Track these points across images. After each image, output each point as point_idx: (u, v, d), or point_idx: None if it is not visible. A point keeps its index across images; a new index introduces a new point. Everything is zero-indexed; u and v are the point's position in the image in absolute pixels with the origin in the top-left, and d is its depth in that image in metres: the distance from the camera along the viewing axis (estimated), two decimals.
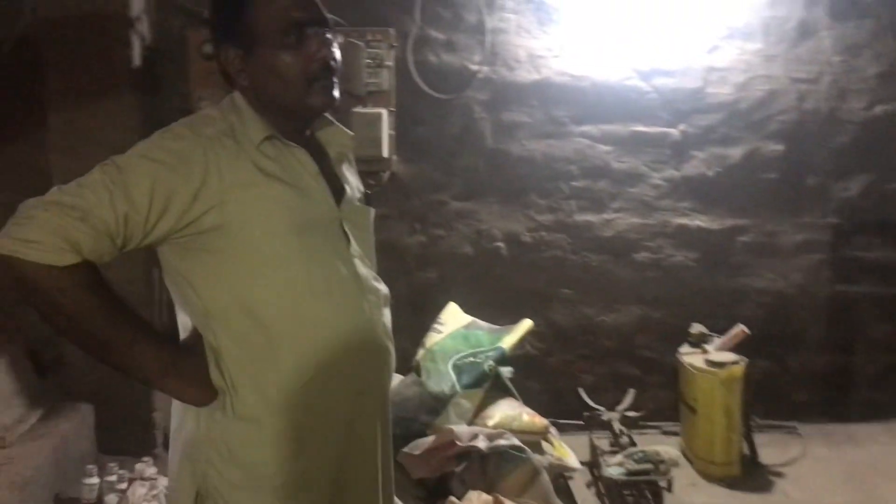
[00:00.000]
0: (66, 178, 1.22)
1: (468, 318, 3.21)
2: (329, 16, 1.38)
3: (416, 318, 3.26)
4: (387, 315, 1.48)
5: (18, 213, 1.19)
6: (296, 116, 1.40)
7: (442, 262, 3.52)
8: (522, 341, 3.14)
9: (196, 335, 1.35)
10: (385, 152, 3.01)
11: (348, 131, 1.53)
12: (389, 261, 3.01)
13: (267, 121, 1.36)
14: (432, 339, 3.11)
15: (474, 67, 3.42)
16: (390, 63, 3.06)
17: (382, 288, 1.47)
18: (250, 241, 1.29)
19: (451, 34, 3.40)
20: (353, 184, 1.53)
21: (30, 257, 1.16)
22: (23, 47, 2.84)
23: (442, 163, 3.48)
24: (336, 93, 1.38)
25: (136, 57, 2.97)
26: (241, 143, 1.32)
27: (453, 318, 3.21)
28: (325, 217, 1.38)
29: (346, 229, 1.41)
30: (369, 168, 2.92)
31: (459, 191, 3.51)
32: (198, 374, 1.32)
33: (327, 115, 1.48)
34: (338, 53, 1.38)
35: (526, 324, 3.14)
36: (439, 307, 3.27)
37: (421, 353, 3.07)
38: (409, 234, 3.50)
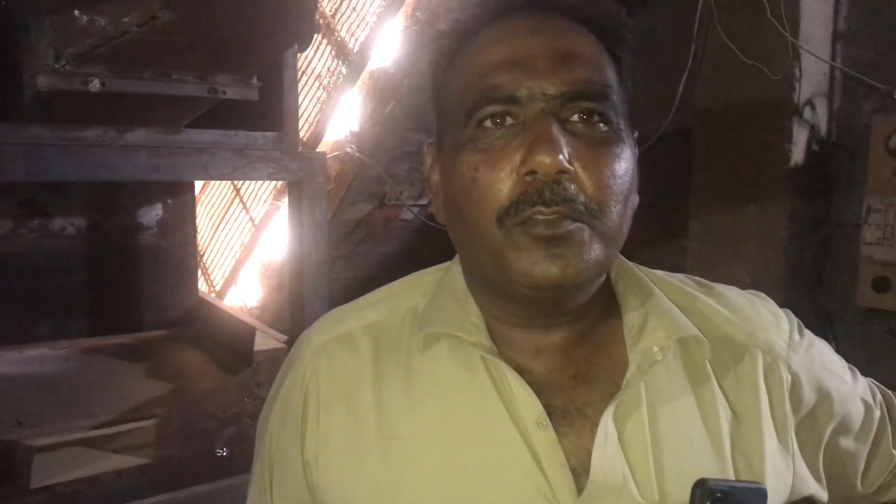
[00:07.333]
0: None
1: None
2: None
3: None
4: None
5: None
6: (498, 293, 0.71)
7: None
8: None
9: None
10: None
11: (685, 323, 0.72)
12: None
13: (481, 296, 0.73)
14: None
15: None
16: None
17: None
18: None
19: None
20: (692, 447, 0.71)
21: None
22: (674, 141, 2.52)
23: None
24: (578, 261, 0.64)
25: (799, 152, 2.30)
26: (393, 350, 0.76)
27: None
28: None
29: None
30: None
31: None
32: None
33: (647, 282, 0.77)
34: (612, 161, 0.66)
35: None
36: None
37: None
38: None
